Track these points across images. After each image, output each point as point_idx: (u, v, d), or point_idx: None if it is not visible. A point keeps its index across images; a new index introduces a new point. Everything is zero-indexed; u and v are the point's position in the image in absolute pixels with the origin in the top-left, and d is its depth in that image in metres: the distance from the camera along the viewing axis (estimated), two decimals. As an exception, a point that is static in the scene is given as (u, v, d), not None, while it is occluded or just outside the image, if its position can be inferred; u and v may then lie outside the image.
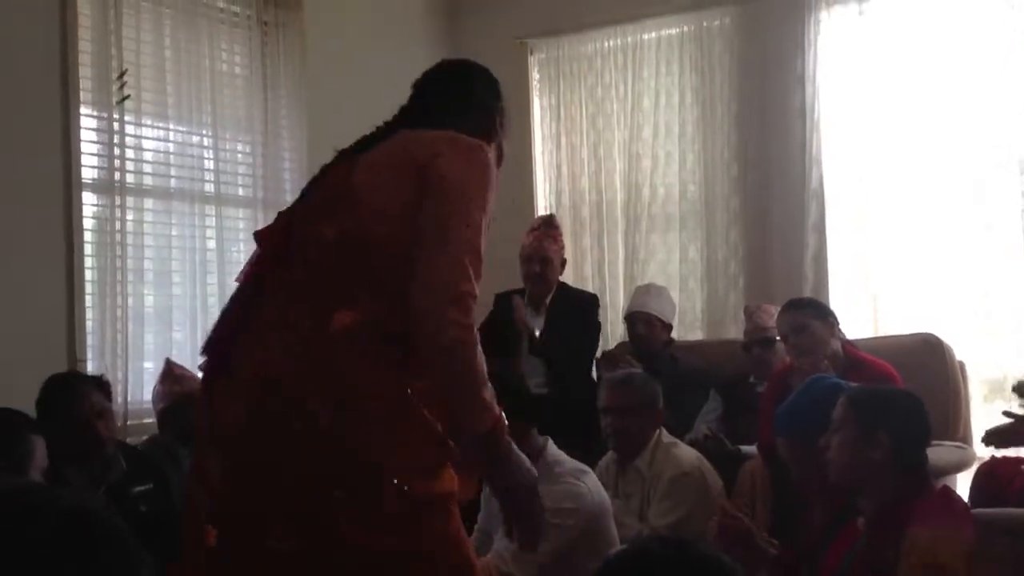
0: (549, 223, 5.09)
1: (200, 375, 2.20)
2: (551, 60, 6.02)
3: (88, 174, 4.36)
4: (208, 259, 4.80)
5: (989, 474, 3.63)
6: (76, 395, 3.48)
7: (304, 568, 1.90)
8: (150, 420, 4.22)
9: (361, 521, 1.89)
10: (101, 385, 3.60)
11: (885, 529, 2.59)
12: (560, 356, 4.80)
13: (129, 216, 4.50)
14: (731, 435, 4.33)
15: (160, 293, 4.71)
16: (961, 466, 4.19)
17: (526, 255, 4.94)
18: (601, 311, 5.33)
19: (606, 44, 5.91)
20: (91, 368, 4.21)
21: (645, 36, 5.82)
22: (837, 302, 5.00)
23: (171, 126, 4.72)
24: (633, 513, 3.66)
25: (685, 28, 5.70)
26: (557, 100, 6.04)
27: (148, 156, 4.66)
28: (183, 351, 4.60)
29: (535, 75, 6.08)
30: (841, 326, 4.17)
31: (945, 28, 5.00)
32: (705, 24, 5.62)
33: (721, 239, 5.57)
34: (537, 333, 4.85)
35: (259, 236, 2.21)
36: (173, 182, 4.72)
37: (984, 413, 4.53)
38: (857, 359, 4.01)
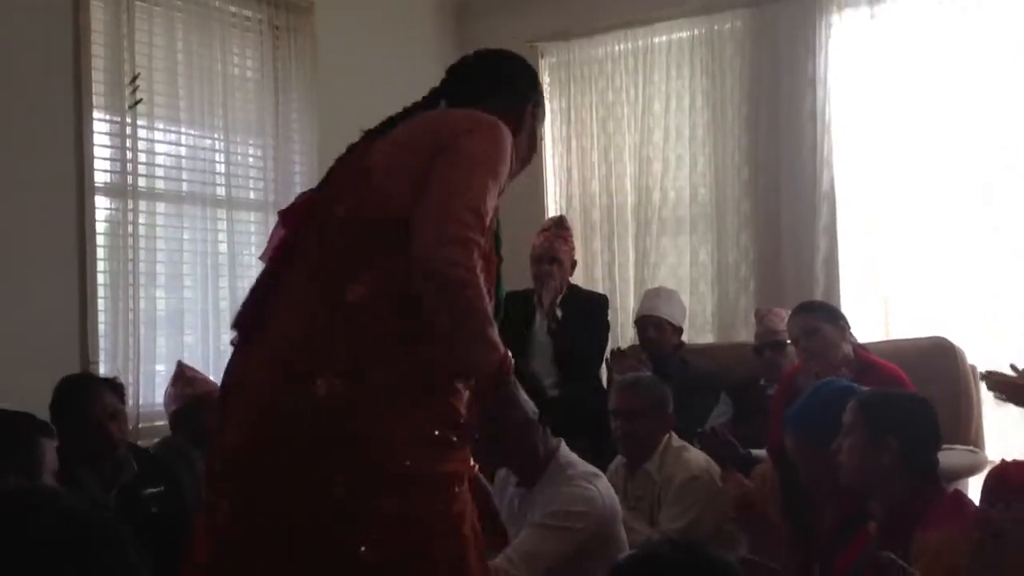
0: (560, 224, 5.12)
1: (230, 357, 2.19)
2: (561, 64, 6.03)
3: (101, 178, 4.39)
4: (220, 262, 4.82)
5: (1000, 477, 3.61)
6: (89, 397, 3.49)
7: (304, 538, 1.89)
8: (162, 423, 4.24)
9: (360, 493, 1.88)
10: (114, 387, 3.61)
11: (896, 533, 2.59)
12: (569, 357, 4.81)
13: (141, 220, 4.52)
14: (741, 438, 4.33)
15: (172, 296, 4.73)
16: (973, 470, 4.17)
17: (536, 255, 4.96)
18: (611, 314, 5.33)
19: (617, 47, 5.92)
20: (103, 371, 4.22)
21: (656, 39, 5.82)
22: (848, 305, 5.00)
23: (183, 130, 4.74)
24: (643, 517, 3.66)
25: (696, 31, 5.70)
26: (568, 103, 6.05)
27: (160, 160, 4.68)
28: (195, 354, 4.62)
29: (545, 79, 6.07)
30: (852, 329, 4.16)
31: (955, 31, 4.99)
32: (716, 27, 5.62)
33: (732, 242, 5.57)
34: (546, 331, 4.87)
35: (281, 215, 2.22)
36: (185, 186, 4.74)
37: (996, 417, 4.51)
38: (868, 362, 4.00)
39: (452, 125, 2.07)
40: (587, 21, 5.92)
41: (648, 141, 5.81)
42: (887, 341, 4.82)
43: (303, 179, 5.15)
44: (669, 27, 5.77)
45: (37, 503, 1.20)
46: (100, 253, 4.38)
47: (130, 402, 4.21)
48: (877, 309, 5.20)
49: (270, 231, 2.29)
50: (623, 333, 5.72)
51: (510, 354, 1.96)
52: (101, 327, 4.35)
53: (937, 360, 4.48)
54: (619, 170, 5.92)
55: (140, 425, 4.35)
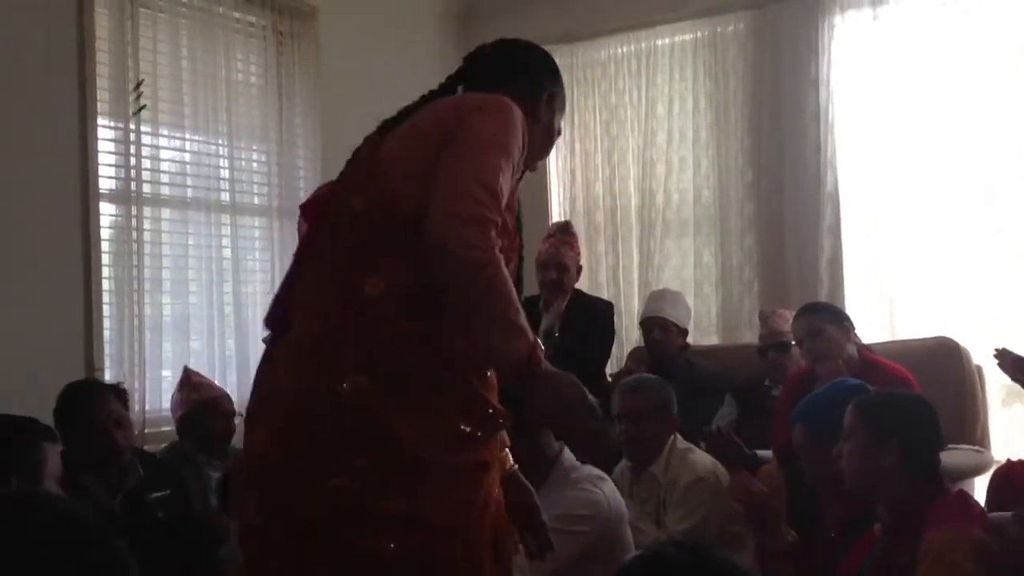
0: (565, 229, 5.08)
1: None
2: (565, 67, 6.01)
3: (105, 184, 4.39)
4: (224, 267, 4.83)
5: (1006, 477, 3.61)
6: (94, 404, 3.49)
7: (319, 538, 1.89)
8: (168, 428, 4.25)
9: (380, 487, 1.86)
10: (119, 393, 3.62)
11: (900, 534, 2.59)
12: (573, 363, 4.80)
13: (146, 226, 4.53)
14: (746, 439, 4.32)
15: (177, 302, 4.74)
16: (979, 470, 4.18)
17: (542, 261, 4.93)
18: (616, 316, 5.32)
19: (620, 50, 5.94)
20: (109, 377, 4.23)
21: (659, 42, 5.84)
22: (852, 306, 5.01)
23: (187, 136, 4.75)
24: (649, 519, 3.65)
25: (699, 34, 5.71)
26: (571, 106, 6.05)
27: (164, 166, 4.68)
28: (200, 359, 4.63)
29: (548, 81, 6.08)
30: (857, 330, 4.16)
31: (958, 32, 5.00)
32: (719, 29, 5.64)
33: (736, 244, 5.58)
34: (552, 337, 4.85)
35: (302, 209, 2.19)
36: (189, 191, 4.75)
37: (1001, 417, 4.52)
38: (872, 362, 4.00)
39: (459, 108, 2.03)
40: (590, 24, 5.93)
41: (651, 143, 5.82)
42: (893, 341, 4.83)
43: (307, 184, 5.16)
44: (672, 29, 5.79)
45: (36, 505, 1.22)
46: (105, 259, 4.38)
47: (136, 408, 4.23)
48: (881, 310, 5.21)
49: (297, 224, 2.24)
50: (628, 335, 5.72)
51: (539, 342, 1.84)
52: (106, 333, 4.36)
53: (943, 360, 4.49)
54: (623, 172, 5.93)
55: (147, 430, 4.35)
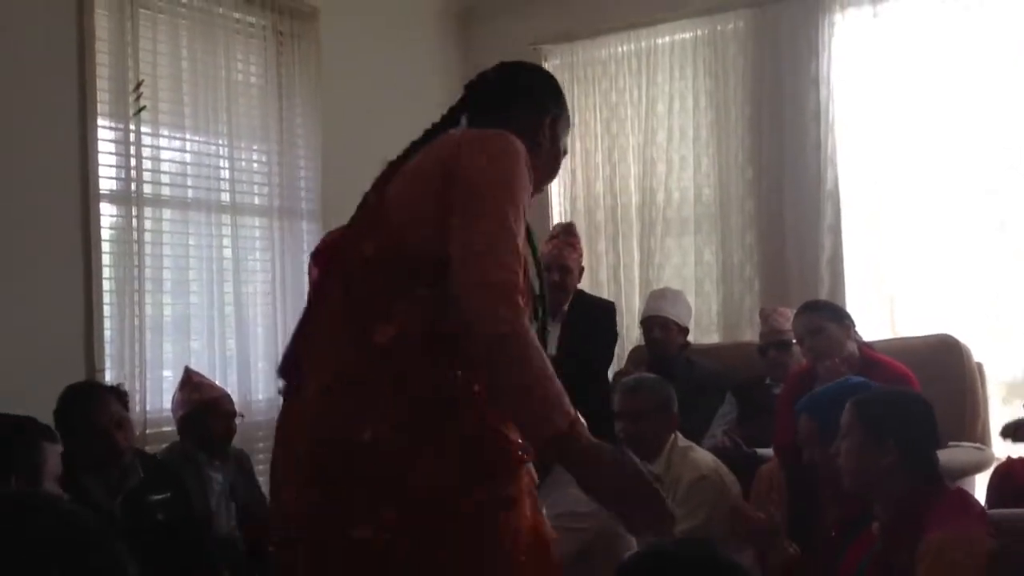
0: (568, 231, 5.04)
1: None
2: (565, 66, 6.02)
3: (105, 185, 4.39)
4: (225, 268, 4.82)
5: (1006, 475, 3.62)
6: (94, 405, 3.49)
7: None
8: (169, 428, 4.25)
9: (407, 534, 1.84)
10: (119, 395, 3.62)
11: (899, 533, 2.59)
12: (575, 364, 4.79)
13: (146, 226, 4.53)
14: (747, 438, 4.33)
15: (178, 302, 4.73)
16: (979, 467, 4.18)
17: (545, 263, 4.89)
18: (617, 316, 5.30)
19: (620, 49, 5.93)
20: (109, 377, 4.24)
21: (659, 41, 5.83)
22: (853, 304, 5.00)
23: (187, 136, 4.75)
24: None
25: (699, 32, 5.71)
26: (571, 105, 5.95)
27: (165, 166, 4.68)
28: (201, 359, 4.63)
29: (549, 81, 6.08)
30: (857, 328, 4.16)
31: (958, 30, 4.99)
32: (719, 28, 5.63)
33: (736, 242, 5.57)
34: (555, 339, 4.85)
35: (312, 256, 2.18)
36: (190, 192, 4.74)
37: (1002, 415, 4.51)
38: (873, 360, 4.00)
39: (458, 154, 1.97)
40: (590, 23, 5.93)
41: (652, 142, 5.81)
42: (894, 339, 4.83)
43: (307, 184, 5.17)
44: (672, 28, 5.78)
45: (36, 505, 1.23)
46: (106, 260, 4.38)
47: (137, 408, 4.23)
48: (882, 308, 5.20)
49: (307, 270, 2.22)
50: (629, 334, 5.71)
51: (580, 416, 1.76)
52: (107, 334, 4.35)
53: (943, 357, 4.49)
54: (623, 171, 5.93)
55: (147, 431, 4.35)
